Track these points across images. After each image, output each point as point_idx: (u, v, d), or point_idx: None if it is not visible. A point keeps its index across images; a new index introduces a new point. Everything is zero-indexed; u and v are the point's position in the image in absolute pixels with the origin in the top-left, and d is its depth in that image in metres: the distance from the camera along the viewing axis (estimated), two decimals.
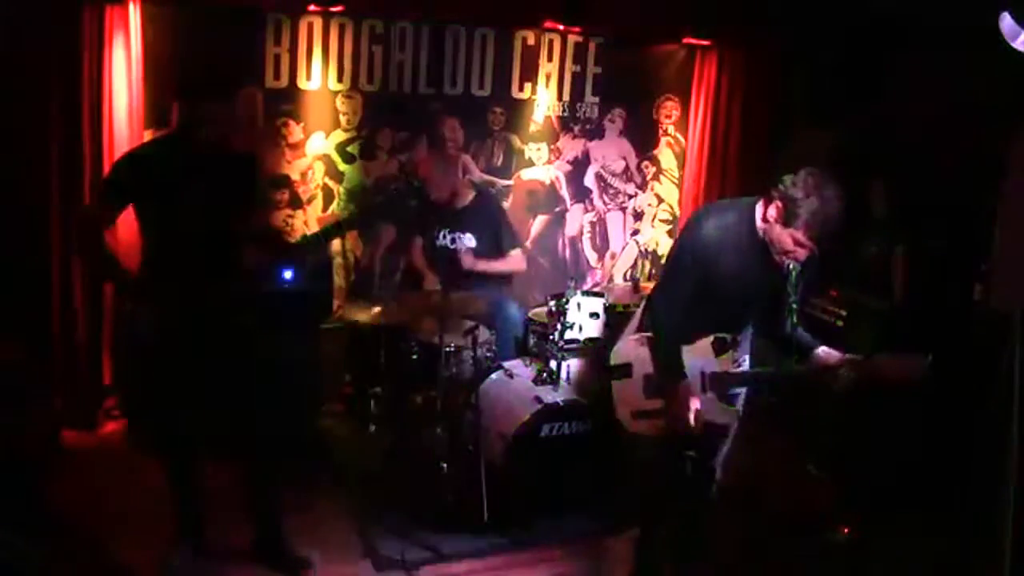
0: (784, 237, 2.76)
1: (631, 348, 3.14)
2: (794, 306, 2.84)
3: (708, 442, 3.13)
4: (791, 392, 3.16)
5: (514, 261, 4.67)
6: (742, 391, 3.18)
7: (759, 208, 2.86)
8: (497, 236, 4.59)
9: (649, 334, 3.08)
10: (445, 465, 3.94)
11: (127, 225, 3.30)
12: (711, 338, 2.99)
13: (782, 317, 2.92)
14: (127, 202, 3.17)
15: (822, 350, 2.95)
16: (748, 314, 3.02)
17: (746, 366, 3.14)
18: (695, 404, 2.92)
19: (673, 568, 3.33)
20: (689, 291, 2.91)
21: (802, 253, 2.78)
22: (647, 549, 3.32)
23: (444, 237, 4.59)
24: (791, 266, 2.81)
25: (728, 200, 3.20)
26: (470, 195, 4.67)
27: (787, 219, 2.74)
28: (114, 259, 3.14)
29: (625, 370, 3.13)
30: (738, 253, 2.86)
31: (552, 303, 4.25)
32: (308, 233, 4.74)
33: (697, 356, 3.01)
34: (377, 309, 4.05)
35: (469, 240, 4.56)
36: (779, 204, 2.76)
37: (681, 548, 3.33)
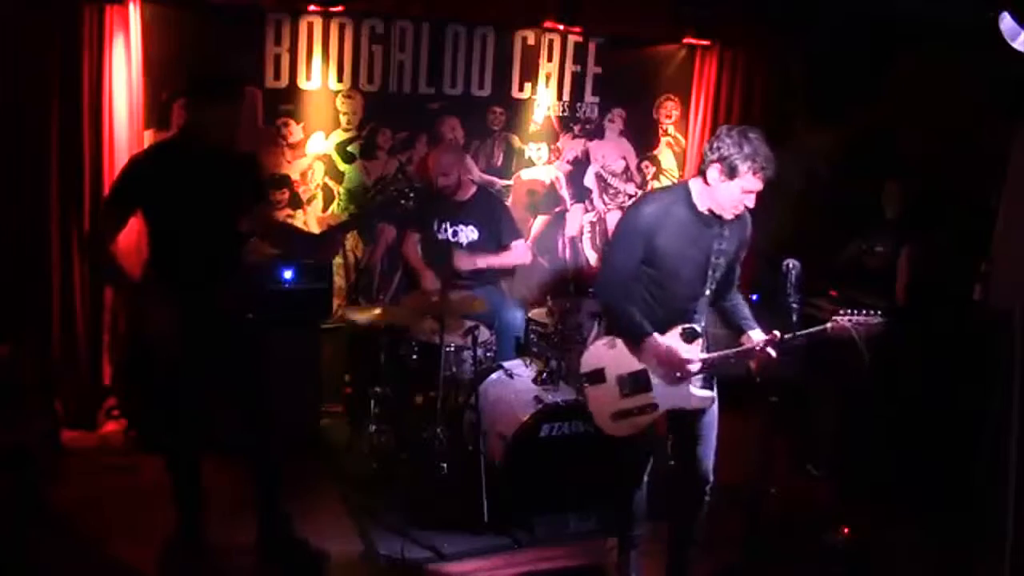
0: (732, 189, 2.91)
1: (601, 352, 3.17)
2: (794, 306, 2.89)
3: (683, 427, 3.18)
4: (791, 391, 3.17)
5: (517, 254, 4.66)
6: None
7: (695, 184, 3.01)
8: (498, 229, 4.59)
9: (614, 336, 3.12)
10: (445, 465, 3.94)
11: (127, 227, 3.30)
12: (679, 330, 3.04)
13: (728, 291, 3.14)
14: (135, 207, 3.18)
15: (746, 337, 3.07)
16: (697, 292, 3.06)
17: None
18: (679, 348, 2.99)
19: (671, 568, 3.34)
20: (633, 264, 3.01)
21: (751, 199, 2.93)
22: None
23: (445, 230, 4.59)
24: (790, 264, 2.84)
25: (661, 187, 3.24)
26: (472, 189, 4.67)
27: (730, 172, 2.89)
28: (119, 268, 3.16)
29: (598, 375, 3.16)
30: (678, 226, 2.99)
31: (552, 303, 4.25)
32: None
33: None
34: (377, 309, 4.05)
35: (471, 232, 4.55)
36: (718, 165, 2.90)
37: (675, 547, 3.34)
